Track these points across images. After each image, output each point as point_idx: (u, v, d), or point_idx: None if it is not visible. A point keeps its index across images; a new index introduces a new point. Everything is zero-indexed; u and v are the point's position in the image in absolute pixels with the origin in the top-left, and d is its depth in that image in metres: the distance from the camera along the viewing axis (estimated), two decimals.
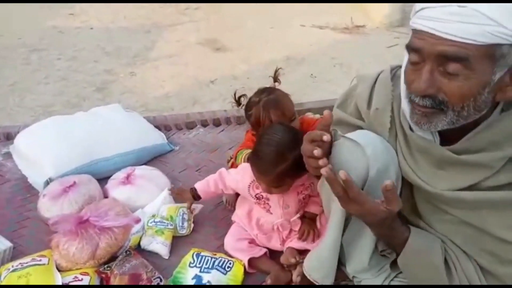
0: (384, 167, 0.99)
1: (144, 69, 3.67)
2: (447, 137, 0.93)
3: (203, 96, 3.32)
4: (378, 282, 1.17)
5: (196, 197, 1.45)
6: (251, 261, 1.33)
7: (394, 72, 1.06)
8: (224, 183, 1.41)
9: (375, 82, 1.08)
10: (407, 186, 1.06)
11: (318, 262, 1.15)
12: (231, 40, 4.15)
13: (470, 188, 0.92)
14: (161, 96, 3.24)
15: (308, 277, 1.17)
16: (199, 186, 1.45)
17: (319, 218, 1.36)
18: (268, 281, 1.26)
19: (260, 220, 1.37)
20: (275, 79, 1.52)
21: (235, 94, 1.50)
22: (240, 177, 1.38)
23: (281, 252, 1.36)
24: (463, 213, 0.95)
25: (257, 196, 1.34)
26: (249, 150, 1.41)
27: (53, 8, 4.70)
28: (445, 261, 1.00)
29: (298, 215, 1.35)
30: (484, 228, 0.93)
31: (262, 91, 1.47)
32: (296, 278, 1.23)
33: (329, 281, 1.15)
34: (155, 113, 2.67)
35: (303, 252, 1.33)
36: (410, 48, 0.86)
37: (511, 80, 0.81)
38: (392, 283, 1.16)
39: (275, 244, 1.38)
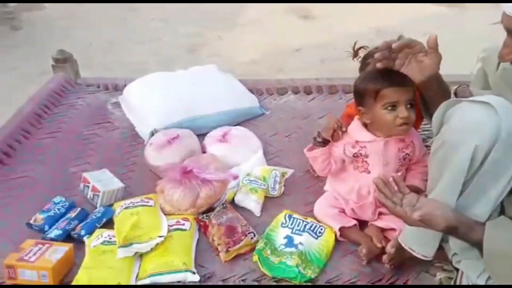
0: None
1: (231, 34, 3.72)
2: None
3: (288, 64, 3.30)
4: (478, 268, 1.12)
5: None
6: (341, 230, 1.34)
7: None
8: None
9: None
10: None
11: (417, 230, 1.10)
12: (319, 8, 4.02)
13: None
14: (247, 62, 3.28)
15: (404, 246, 1.15)
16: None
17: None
18: (363, 251, 1.26)
19: (356, 186, 1.35)
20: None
21: (354, 45, 1.44)
22: (335, 145, 1.36)
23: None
24: None
25: (354, 155, 1.33)
26: None
27: None
28: None
29: (397, 173, 1.29)
30: None
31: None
32: (390, 249, 1.21)
33: (430, 251, 1.12)
34: (241, 78, 2.72)
35: (386, 231, 1.31)
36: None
37: None
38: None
39: (368, 213, 1.36)
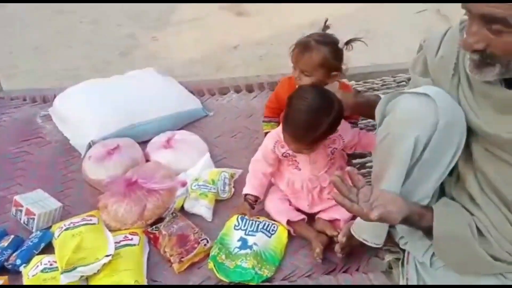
0: (452, 121, 1.02)
1: (166, 34, 3.60)
2: None
3: (227, 62, 3.27)
4: (422, 248, 1.18)
5: (252, 202, 1.38)
6: (288, 224, 1.35)
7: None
8: (265, 161, 1.39)
9: (444, 35, 1.11)
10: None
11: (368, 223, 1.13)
12: (253, 4, 4.02)
13: None
14: (185, 62, 3.20)
15: (357, 237, 1.18)
16: (250, 188, 1.38)
17: None
18: (317, 250, 1.27)
19: (290, 179, 1.38)
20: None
21: (326, 21, 1.41)
22: (264, 146, 1.39)
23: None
24: None
25: (283, 155, 1.36)
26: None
27: None
28: (480, 232, 1.02)
29: (325, 169, 1.37)
30: None
31: (322, 35, 1.38)
32: (342, 238, 1.24)
33: (380, 239, 1.16)
34: (180, 79, 2.65)
35: (332, 222, 1.35)
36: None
37: None
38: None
39: (304, 204, 1.39)
